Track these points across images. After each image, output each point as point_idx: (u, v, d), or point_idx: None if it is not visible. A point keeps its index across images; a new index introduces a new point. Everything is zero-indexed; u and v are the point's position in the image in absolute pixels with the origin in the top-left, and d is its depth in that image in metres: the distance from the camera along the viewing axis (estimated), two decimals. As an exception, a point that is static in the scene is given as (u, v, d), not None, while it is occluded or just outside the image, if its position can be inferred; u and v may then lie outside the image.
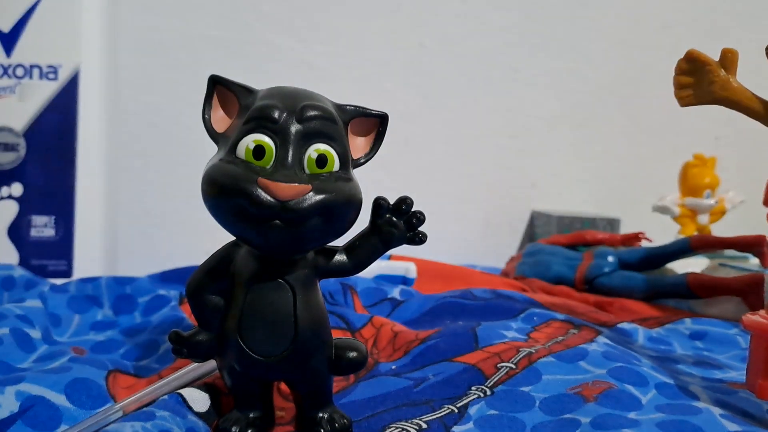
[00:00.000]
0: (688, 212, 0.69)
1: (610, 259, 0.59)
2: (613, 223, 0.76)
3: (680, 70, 0.31)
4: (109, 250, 0.58)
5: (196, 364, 0.32)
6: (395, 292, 0.50)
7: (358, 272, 0.28)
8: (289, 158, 0.24)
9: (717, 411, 0.29)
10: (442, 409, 0.30)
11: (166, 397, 0.28)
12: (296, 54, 0.74)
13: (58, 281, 0.49)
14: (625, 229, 0.75)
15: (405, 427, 0.28)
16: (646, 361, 0.35)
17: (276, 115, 0.24)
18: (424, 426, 0.28)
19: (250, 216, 0.24)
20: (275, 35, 0.74)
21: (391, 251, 0.28)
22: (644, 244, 0.63)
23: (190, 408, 0.28)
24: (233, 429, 0.27)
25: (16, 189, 0.54)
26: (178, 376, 0.32)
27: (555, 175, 0.86)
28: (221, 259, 0.27)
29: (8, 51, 0.54)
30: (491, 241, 0.84)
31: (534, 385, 0.32)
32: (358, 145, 0.27)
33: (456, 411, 0.30)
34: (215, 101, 0.27)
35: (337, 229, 0.26)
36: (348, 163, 0.26)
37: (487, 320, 0.42)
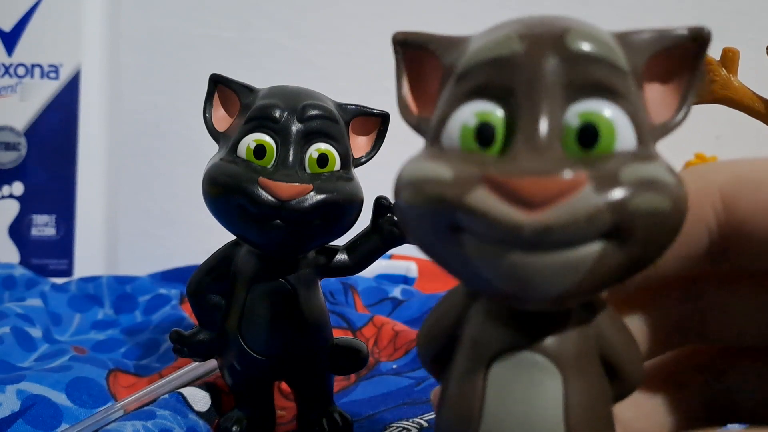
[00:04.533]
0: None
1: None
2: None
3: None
4: (109, 249, 0.58)
5: (197, 363, 0.32)
6: (396, 292, 0.50)
7: (359, 271, 0.28)
8: (290, 158, 0.24)
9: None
10: (443, 409, 0.30)
11: (166, 396, 0.28)
12: (297, 53, 0.74)
13: (59, 280, 0.49)
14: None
15: (406, 426, 0.28)
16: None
17: (277, 114, 0.24)
18: (425, 425, 0.28)
19: (251, 215, 0.24)
20: (276, 34, 0.73)
21: (392, 250, 0.28)
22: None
23: (190, 407, 0.28)
24: (234, 428, 0.27)
25: (17, 188, 0.54)
26: (178, 375, 0.32)
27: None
28: (222, 259, 0.27)
29: (9, 50, 0.54)
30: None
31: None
32: (359, 144, 0.27)
33: (457, 410, 0.30)
34: (216, 100, 0.27)
35: (338, 229, 0.26)
36: (349, 162, 0.26)
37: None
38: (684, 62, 0.14)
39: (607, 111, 0.13)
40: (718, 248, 0.15)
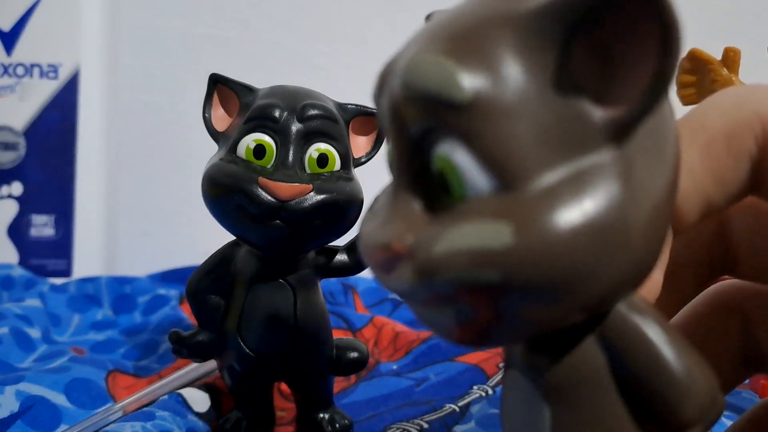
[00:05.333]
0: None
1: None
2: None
3: (682, 69, 0.31)
4: (108, 249, 0.58)
5: (197, 364, 0.32)
6: (396, 292, 0.50)
7: (359, 272, 0.28)
8: (290, 158, 0.24)
9: (719, 411, 0.29)
10: (444, 409, 0.30)
11: (166, 397, 0.28)
12: (297, 52, 0.74)
13: (58, 281, 0.49)
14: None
15: (406, 427, 0.28)
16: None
17: (277, 114, 0.24)
18: (426, 426, 0.28)
19: (251, 216, 0.24)
20: (276, 34, 0.73)
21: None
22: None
23: (190, 408, 0.28)
24: (233, 429, 0.27)
25: (16, 188, 0.54)
26: (178, 376, 0.32)
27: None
28: (221, 259, 0.27)
29: (8, 50, 0.54)
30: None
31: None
32: (359, 144, 0.27)
33: (457, 410, 0.30)
34: (216, 100, 0.27)
35: (338, 229, 0.25)
36: (349, 162, 0.26)
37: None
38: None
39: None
40: (757, 178, 0.15)
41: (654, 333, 0.12)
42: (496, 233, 0.11)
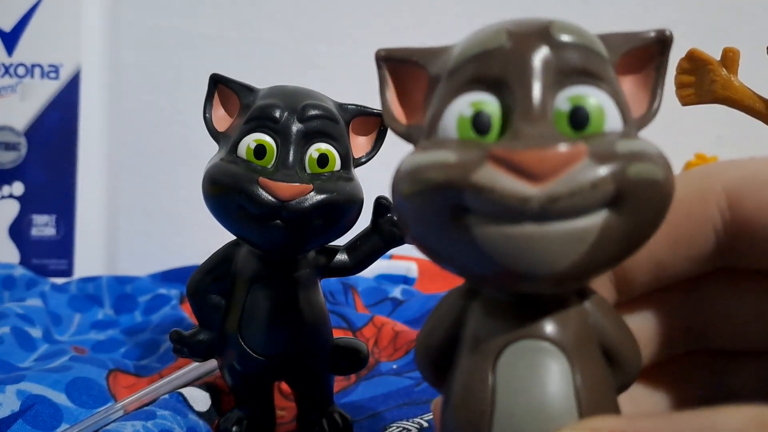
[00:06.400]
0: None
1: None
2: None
3: (681, 69, 0.31)
4: (109, 249, 0.58)
5: (197, 363, 0.32)
6: (396, 292, 0.50)
7: (359, 272, 0.28)
8: (290, 158, 0.24)
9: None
10: (443, 409, 0.30)
11: (166, 396, 0.28)
12: (298, 53, 0.74)
13: (59, 280, 0.49)
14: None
15: (406, 426, 0.28)
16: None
17: (277, 114, 0.24)
18: (425, 425, 0.28)
19: (251, 216, 0.24)
20: (277, 34, 0.73)
21: (392, 251, 0.28)
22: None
23: (190, 407, 0.28)
24: (234, 428, 0.27)
25: (17, 188, 0.54)
26: (178, 375, 0.32)
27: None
28: (222, 259, 0.27)
29: (9, 50, 0.54)
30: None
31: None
32: (359, 144, 0.27)
33: (457, 410, 0.30)
34: (216, 100, 0.27)
35: (338, 229, 0.25)
36: (349, 162, 0.26)
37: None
38: (651, 61, 0.16)
39: (594, 95, 0.14)
40: (725, 248, 0.15)
41: (602, 319, 0.15)
42: (654, 146, 0.14)
